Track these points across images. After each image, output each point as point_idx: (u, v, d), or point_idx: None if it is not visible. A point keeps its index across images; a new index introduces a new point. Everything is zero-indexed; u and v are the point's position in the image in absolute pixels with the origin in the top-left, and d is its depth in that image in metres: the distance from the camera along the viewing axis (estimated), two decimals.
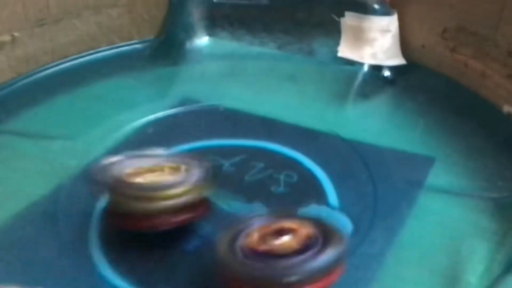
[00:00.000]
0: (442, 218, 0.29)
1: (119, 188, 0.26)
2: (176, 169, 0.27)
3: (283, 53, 0.43)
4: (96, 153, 0.34)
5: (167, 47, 0.43)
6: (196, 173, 0.27)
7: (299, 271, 0.21)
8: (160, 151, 0.29)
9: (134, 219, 0.26)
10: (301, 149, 0.34)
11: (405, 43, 0.41)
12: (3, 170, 0.33)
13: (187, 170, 0.27)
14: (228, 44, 0.44)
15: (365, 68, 0.40)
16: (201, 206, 0.27)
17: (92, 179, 0.27)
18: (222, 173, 0.32)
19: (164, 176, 0.27)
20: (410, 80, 0.40)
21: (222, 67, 0.42)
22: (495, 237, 0.27)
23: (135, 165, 0.27)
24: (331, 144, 0.35)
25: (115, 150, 0.34)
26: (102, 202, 0.27)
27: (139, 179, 0.26)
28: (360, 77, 0.40)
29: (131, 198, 0.25)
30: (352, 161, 0.33)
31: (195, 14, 0.43)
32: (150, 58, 0.43)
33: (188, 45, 0.43)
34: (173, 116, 0.37)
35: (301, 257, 0.22)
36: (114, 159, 0.27)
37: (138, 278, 0.26)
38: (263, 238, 0.23)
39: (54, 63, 0.41)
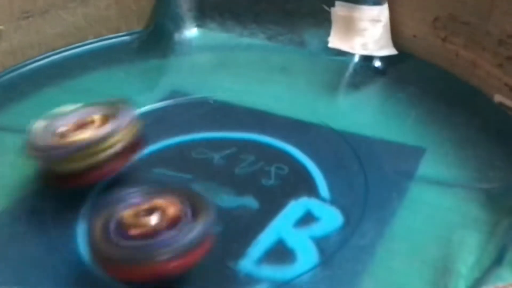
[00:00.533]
0: (433, 209, 0.28)
1: (56, 153, 0.28)
2: (104, 119, 0.29)
3: (274, 44, 0.42)
4: None
5: (155, 39, 0.43)
6: (123, 118, 0.29)
7: (169, 248, 0.22)
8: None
9: (73, 176, 0.28)
10: (292, 141, 0.33)
11: (396, 33, 0.41)
12: None
13: (114, 116, 0.29)
14: (217, 35, 0.43)
15: (356, 58, 0.40)
16: (136, 146, 0.30)
17: (29, 145, 0.28)
18: (212, 166, 0.32)
19: (96, 129, 0.29)
20: (401, 71, 0.40)
21: (212, 58, 0.42)
22: (486, 227, 0.27)
23: (67, 122, 0.29)
24: (322, 135, 0.34)
25: None
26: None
27: (72, 138, 0.28)
28: (350, 68, 0.39)
29: (67, 161, 0.28)
30: (343, 152, 0.33)
31: (184, 5, 0.43)
32: (139, 50, 0.42)
33: (177, 36, 0.43)
34: (162, 109, 0.37)
35: (171, 234, 0.23)
36: (45, 122, 0.29)
37: None
38: (135, 217, 0.24)
39: (41, 56, 0.41)
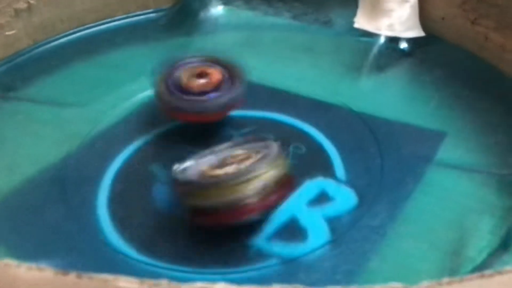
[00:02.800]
0: (448, 193, 0.28)
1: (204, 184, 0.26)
2: (247, 157, 0.27)
3: (299, 23, 0.42)
4: (107, 121, 0.34)
5: (182, 17, 0.43)
6: (269, 153, 0.26)
7: (211, 104, 0.31)
8: (224, 145, 0.29)
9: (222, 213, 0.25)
10: (312, 121, 0.33)
11: (424, 15, 0.40)
12: (17, 135, 0.33)
13: (258, 153, 0.27)
14: (243, 13, 0.43)
15: (382, 39, 0.39)
16: (286, 184, 0.27)
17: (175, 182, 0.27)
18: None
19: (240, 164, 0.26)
20: (428, 53, 0.39)
21: (236, 37, 0.42)
22: (500, 213, 0.26)
23: (207, 164, 0.27)
24: (342, 117, 0.34)
25: (126, 119, 0.35)
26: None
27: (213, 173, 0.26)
28: (375, 49, 0.39)
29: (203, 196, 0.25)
30: (362, 134, 0.32)
31: None
32: (165, 28, 0.43)
33: (202, 14, 0.43)
34: None
35: (214, 94, 0.31)
36: (185, 164, 0.28)
37: (142, 244, 0.26)
38: (188, 78, 0.32)
39: (71, 31, 0.42)
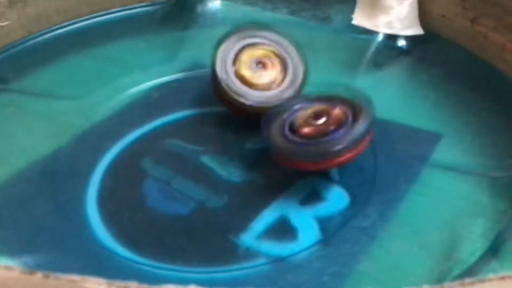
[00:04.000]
0: (443, 195, 0.28)
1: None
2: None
3: (297, 19, 0.42)
4: (100, 114, 0.34)
5: (179, 10, 0.43)
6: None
7: (342, 141, 0.26)
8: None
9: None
10: None
11: (423, 12, 0.39)
12: (8, 127, 0.33)
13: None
14: (240, 8, 0.42)
15: (380, 37, 0.38)
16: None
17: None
18: (224, 140, 0.32)
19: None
20: (427, 51, 0.38)
21: None
22: (494, 216, 0.26)
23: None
24: None
25: (120, 112, 0.34)
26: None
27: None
28: (374, 47, 0.38)
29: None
30: None
31: None
32: (162, 21, 0.42)
33: (200, 8, 0.42)
34: (180, 80, 0.37)
35: (340, 132, 0.27)
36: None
37: (129, 240, 0.26)
38: (306, 120, 0.28)
39: (66, 23, 0.41)
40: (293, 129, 0.28)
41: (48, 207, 0.28)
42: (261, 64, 0.32)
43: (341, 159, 0.26)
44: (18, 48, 0.39)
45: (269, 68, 0.32)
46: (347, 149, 0.26)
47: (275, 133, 0.28)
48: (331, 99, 0.29)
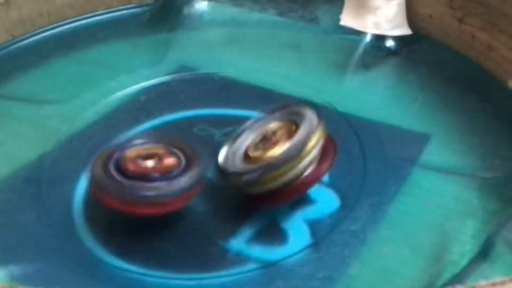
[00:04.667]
0: (432, 196, 0.28)
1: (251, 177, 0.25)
2: (287, 129, 0.26)
3: (284, 20, 0.41)
4: (86, 118, 0.33)
5: (165, 12, 0.42)
6: (308, 121, 0.26)
7: (158, 191, 0.24)
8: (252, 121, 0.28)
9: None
10: None
11: (411, 13, 0.39)
12: None
13: (295, 123, 0.26)
14: (227, 9, 0.42)
15: (368, 38, 0.38)
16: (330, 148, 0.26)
17: (220, 173, 0.26)
18: (213, 143, 0.32)
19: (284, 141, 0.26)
20: (415, 52, 0.38)
21: (221, 33, 0.41)
22: (484, 217, 0.26)
23: (249, 140, 0.27)
24: (326, 116, 0.33)
25: (106, 116, 0.34)
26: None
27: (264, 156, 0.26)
28: (361, 48, 0.38)
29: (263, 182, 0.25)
30: (345, 135, 0.32)
31: None
32: (148, 23, 0.42)
33: (186, 10, 0.42)
34: (167, 83, 0.37)
35: (159, 182, 0.25)
36: (223, 152, 0.27)
37: (117, 247, 0.26)
38: (135, 158, 0.25)
39: (50, 26, 0.41)
40: (120, 164, 0.25)
41: (34, 215, 0.27)
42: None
43: (147, 209, 0.24)
44: (2, 52, 0.39)
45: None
46: (156, 199, 0.24)
47: (99, 165, 0.26)
48: (171, 143, 0.27)
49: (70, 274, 0.24)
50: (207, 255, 0.25)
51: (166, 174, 0.25)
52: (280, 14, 0.42)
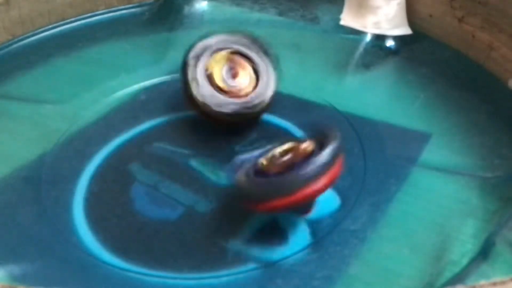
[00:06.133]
0: (432, 195, 0.28)
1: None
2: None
3: (285, 19, 0.41)
4: (86, 118, 0.33)
5: (166, 12, 0.42)
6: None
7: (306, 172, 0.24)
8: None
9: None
10: (295, 121, 0.33)
11: (411, 12, 0.39)
12: None
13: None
14: (228, 9, 0.42)
15: (368, 37, 0.38)
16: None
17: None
18: (213, 143, 0.32)
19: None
20: (415, 51, 0.38)
21: None
22: (483, 216, 0.26)
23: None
24: (326, 116, 0.34)
25: (106, 116, 0.34)
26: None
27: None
28: (361, 47, 0.38)
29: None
30: (346, 134, 0.32)
31: None
32: (148, 23, 0.42)
33: (186, 9, 0.42)
34: (168, 83, 0.36)
35: (309, 162, 0.24)
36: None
37: (117, 247, 0.26)
38: (271, 161, 0.26)
39: (50, 26, 0.41)
40: (260, 173, 0.26)
41: (34, 214, 0.27)
42: (233, 70, 0.31)
43: (317, 185, 0.24)
44: (2, 52, 0.39)
45: (240, 75, 0.31)
46: (318, 174, 0.24)
47: (241, 180, 0.26)
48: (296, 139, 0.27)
49: (69, 274, 0.24)
50: (207, 254, 0.25)
51: (310, 156, 0.25)
52: (280, 13, 0.42)
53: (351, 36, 0.39)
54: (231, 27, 0.41)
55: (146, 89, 0.36)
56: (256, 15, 0.42)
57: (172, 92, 0.36)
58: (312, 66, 0.38)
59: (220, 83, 0.30)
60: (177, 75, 0.37)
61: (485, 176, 0.28)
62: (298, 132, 0.32)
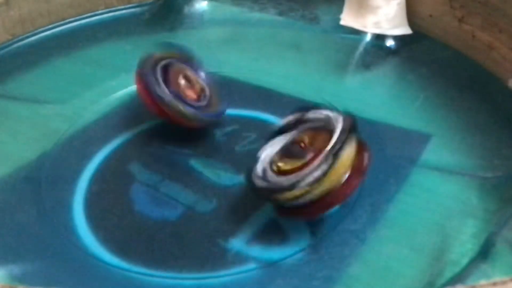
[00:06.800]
0: (432, 196, 0.28)
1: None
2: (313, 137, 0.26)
3: (285, 19, 0.41)
4: (86, 118, 0.33)
5: (165, 12, 0.42)
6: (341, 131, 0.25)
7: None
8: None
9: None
10: None
11: (411, 12, 0.39)
12: None
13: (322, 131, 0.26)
14: (228, 9, 0.42)
15: (368, 37, 0.38)
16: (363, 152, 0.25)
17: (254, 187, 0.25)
18: (213, 143, 0.32)
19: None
20: (415, 51, 0.38)
21: (221, 33, 0.41)
22: (484, 217, 0.26)
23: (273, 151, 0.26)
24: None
25: (106, 116, 0.34)
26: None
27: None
28: (362, 47, 0.38)
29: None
30: None
31: None
32: (148, 23, 0.42)
33: (186, 9, 0.42)
34: None
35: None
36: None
37: (117, 247, 0.26)
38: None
39: (50, 26, 0.41)
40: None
41: (34, 214, 0.27)
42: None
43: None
44: (2, 52, 0.39)
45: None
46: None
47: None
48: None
49: (70, 274, 0.24)
50: (207, 254, 0.25)
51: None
52: (280, 13, 0.42)
53: (351, 36, 0.39)
54: (231, 27, 0.42)
55: None
56: (256, 15, 0.42)
57: None
58: (312, 66, 0.38)
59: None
60: None
61: (485, 176, 0.28)
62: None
